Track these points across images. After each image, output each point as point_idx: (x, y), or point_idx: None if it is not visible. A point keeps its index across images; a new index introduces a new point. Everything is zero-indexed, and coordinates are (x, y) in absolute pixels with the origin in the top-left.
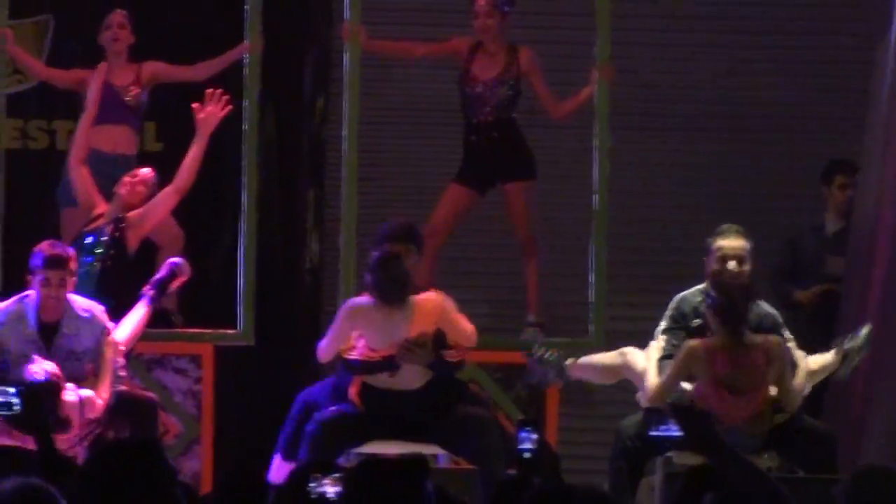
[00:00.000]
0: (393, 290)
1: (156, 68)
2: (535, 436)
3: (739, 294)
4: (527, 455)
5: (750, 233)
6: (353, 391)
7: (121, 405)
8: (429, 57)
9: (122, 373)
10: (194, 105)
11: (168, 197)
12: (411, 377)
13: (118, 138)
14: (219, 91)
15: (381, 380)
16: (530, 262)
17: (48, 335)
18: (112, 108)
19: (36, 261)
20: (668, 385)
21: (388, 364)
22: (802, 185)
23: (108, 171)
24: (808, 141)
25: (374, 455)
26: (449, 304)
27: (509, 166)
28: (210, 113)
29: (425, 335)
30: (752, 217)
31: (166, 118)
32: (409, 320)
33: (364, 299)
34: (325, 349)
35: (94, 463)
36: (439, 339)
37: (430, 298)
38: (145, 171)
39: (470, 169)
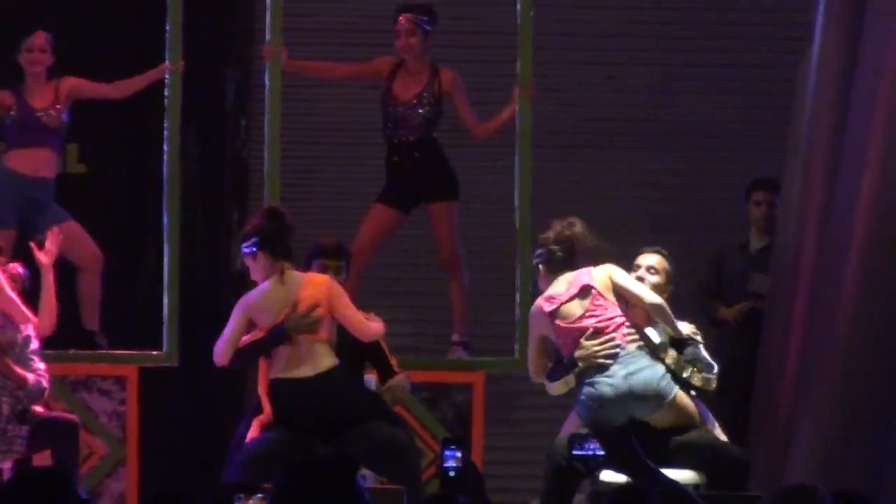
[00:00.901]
0: (278, 242)
1: (74, 84)
2: (459, 454)
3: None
4: (452, 474)
5: (676, 251)
6: (261, 390)
7: (41, 429)
8: (351, 77)
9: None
10: (32, 244)
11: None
12: (313, 359)
13: (38, 161)
14: (56, 230)
15: (284, 367)
16: (455, 282)
17: None
18: (31, 130)
19: None
20: (534, 359)
21: (277, 332)
22: (730, 203)
23: (28, 193)
24: (736, 158)
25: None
26: (338, 289)
27: (432, 186)
28: (49, 251)
29: (315, 305)
30: (678, 234)
31: (89, 140)
32: (296, 293)
33: (254, 290)
34: (220, 348)
35: (9, 491)
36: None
37: (319, 276)
38: (16, 266)
39: (393, 189)
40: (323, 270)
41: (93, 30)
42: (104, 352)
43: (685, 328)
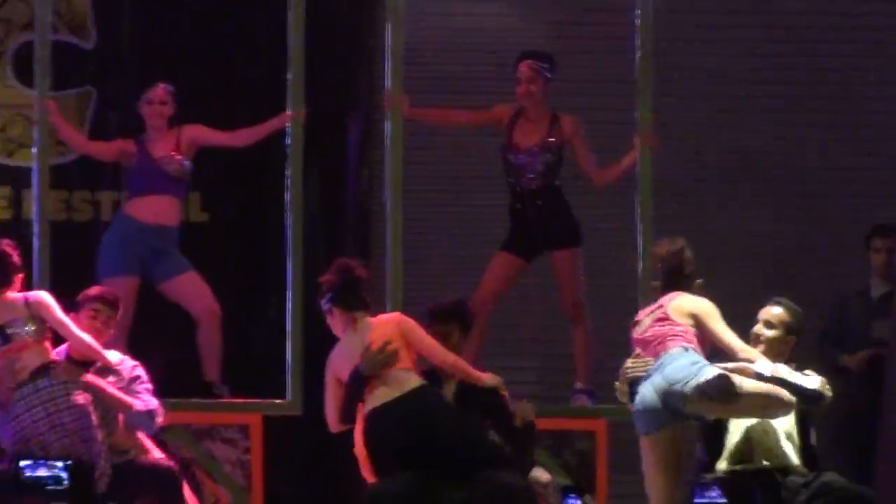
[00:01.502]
0: (349, 294)
1: (195, 132)
2: (579, 502)
3: None
4: None
5: (799, 300)
6: (357, 436)
7: (142, 477)
8: (471, 124)
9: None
10: None
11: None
12: (398, 383)
13: (159, 209)
14: None
15: (372, 400)
16: (578, 329)
17: None
18: (153, 179)
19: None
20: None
21: (356, 377)
22: (852, 250)
23: (149, 241)
24: (856, 205)
25: None
26: (409, 322)
27: (555, 234)
28: None
29: (387, 342)
30: (802, 282)
31: (212, 189)
32: (367, 336)
33: (334, 349)
34: (329, 417)
35: None
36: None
37: (386, 315)
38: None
39: (516, 237)
40: (435, 336)
41: (214, 78)
42: (228, 400)
43: (812, 381)
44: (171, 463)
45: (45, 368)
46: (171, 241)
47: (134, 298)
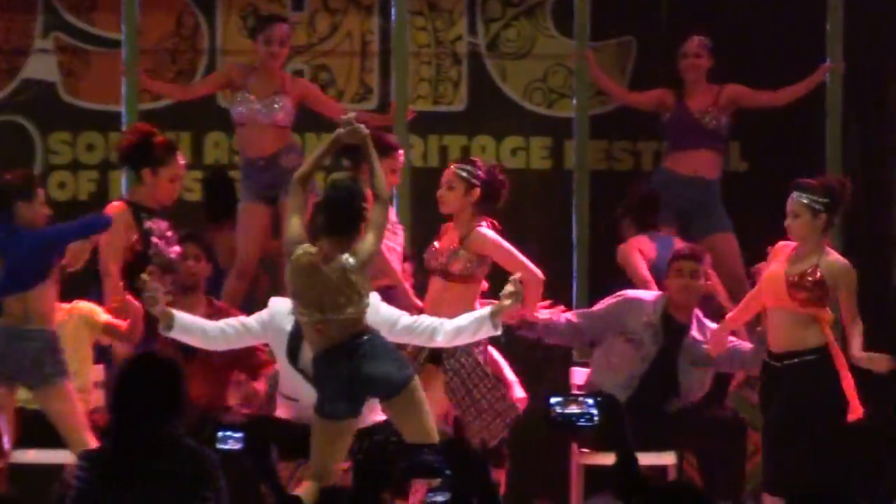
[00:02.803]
0: None
1: (737, 92)
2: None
3: None
4: None
5: None
6: None
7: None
8: None
9: None
10: None
11: None
12: None
13: (697, 162)
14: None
15: None
16: None
17: None
18: (689, 132)
19: None
20: None
21: None
22: None
23: (688, 194)
24: None
25: None
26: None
27: None
28: None
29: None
30: None
31: (751, 137)
32: None
33: None
34: None
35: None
36: None
37: None
38: None
39: None
40: None
41: (753, 35)
42: None
43: None
44: None
45: None
46: (711, 195)
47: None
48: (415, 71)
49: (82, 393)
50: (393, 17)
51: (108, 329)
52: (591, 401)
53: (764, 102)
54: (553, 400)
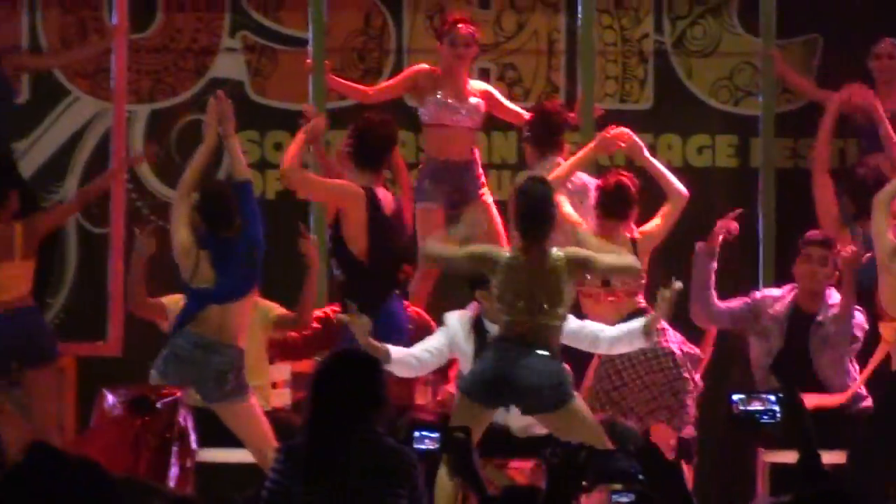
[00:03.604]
0: None
1: None
2: None
3: None
4: None
5: None
6: None
7: None
8: None
9: None
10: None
11: None
12: None
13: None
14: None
15: None
16: None
17: None
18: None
19: None
20: None
21: None
22: None
23: None
24: None
25: None
26: None
27: None
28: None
29: None
30: None
31: None
32: None
33: None
34: None
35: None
36: None
37: None
38: None
39: None
40: None
41: None
42: None
43: None
44: None
45: None
46: None
47: None
48: (601, 69)
49: (258, 391)
50: (579, 16)
51: (279, 321)
52: (773, 397)
53: None
54: (735, 397)
